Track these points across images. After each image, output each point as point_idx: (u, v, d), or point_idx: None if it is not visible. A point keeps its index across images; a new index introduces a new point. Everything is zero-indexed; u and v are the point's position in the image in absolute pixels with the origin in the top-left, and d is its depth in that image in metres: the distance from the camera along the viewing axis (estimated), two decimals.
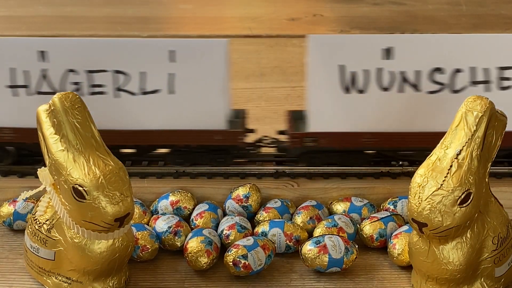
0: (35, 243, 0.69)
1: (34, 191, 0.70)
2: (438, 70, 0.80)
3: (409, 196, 0.64)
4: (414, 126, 0.81)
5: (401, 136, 0.81)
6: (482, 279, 0.67)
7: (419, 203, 0.63)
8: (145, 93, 0.81)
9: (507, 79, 0.81)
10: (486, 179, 0.65)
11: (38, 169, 0.67)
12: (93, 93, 0.81)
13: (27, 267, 0.72)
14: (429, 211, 0.62)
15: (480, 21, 1.44)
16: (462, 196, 0.62)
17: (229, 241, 0.74)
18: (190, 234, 0.73)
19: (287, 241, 0.74)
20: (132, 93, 0.81)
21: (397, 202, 0.80)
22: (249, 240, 0.71)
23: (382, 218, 0.76)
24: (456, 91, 0.81)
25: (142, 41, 0.82)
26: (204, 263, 0.71)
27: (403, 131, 0.81)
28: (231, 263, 0.70)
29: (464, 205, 0.62)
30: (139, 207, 0.78)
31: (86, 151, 0.64)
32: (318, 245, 0.71)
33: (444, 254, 0.65)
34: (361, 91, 0.81)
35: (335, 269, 0.71)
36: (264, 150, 0.87)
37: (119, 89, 0.81)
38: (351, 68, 0.80)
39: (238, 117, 0.85)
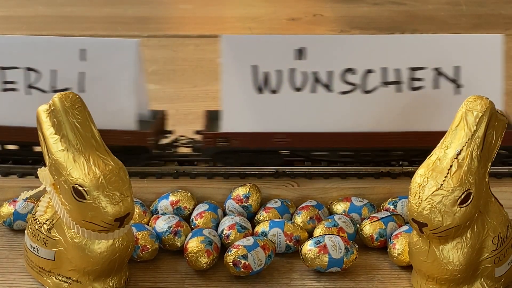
0: (35, 243, 0.69)
1: (34, 191, 0.70)
2: (350, 70, 0.81)
3: (409, 196, 0.64)
4: (326, 126, 0.82)
5: (314, 136, 0.82)
6: (482, 279, 0.67)
7: (419, 203, 0.63)
8: (55, 91, 0.81)
9: (418, 79, 0.81)
10: (486, 179, 0.65)
11: (38, 169, 0.67)
12: (5, 90, 0.82)
13: (27, 267, 0.72)
14: (429, 211, 0.62)
15: (480, 21, 1.44)
16: (462, 196, 0.62)
17: (229, 241, 0.74)
18: (190, 234, 0.73)
19: (287, 241, 0.74)
20: (43, 91, 0.81)
21: (397, 202, 0.80)
22: (249, 240, 0.71)
23: (382, 218, 0.76)
24: (367, 92, 0.81)
25: (53, 39, 0.83)
26: (204, 263, 0.71)
27: (316, 131, 0.82)
28: (231, 263, 0.70)
29: (464, 205, 0.62)
30: (139, 207, 0.78)
31: (86, 151, 0.64)
32: (318, 245, 0.71)
33: (444, 254, 0.65)
34: (273, 91, 0.81)
35: (335, 269, 0.71)
36: (182, 150, 0.87)
37: (30, 86, 0.82)
38: (264, 69, 0.81)
39: (155, 117, 0.85)
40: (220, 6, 1.56)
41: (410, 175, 0.66)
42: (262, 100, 0.81)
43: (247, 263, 0.70)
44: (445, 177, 0.63)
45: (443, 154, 0.64)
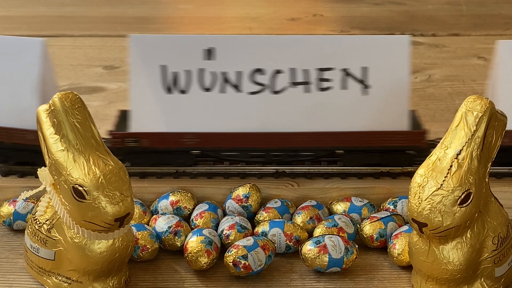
0: (35, 243, 0.69)
1: (34, 191, 0.70)
2: (258, 71, 0.81)
3: (409, 196, 0.64)
4: (236, 126, 0.82)
5: (223, 136, 0.82)
6: (482, 279, 0.67)
7: (419, 203, 0.63)
8: None
9: (327, 80, 0.81)
10: (486, 179, 0.65)
11: (38, 169, 0.67)
12: None
13: (27, 267, 0.72)
14: (429, 211, 0.62)
15: (480, 21, 1.44)
16: (462, 196, 0.62)
17: (229, 241, 0.74)
18: (190, 234, 0.73)
19: (287, 241, 0.74)
20: None
21: (397, 202, 0.80)
22: (249, 240, 0.71)
23: (382, 218, 0.76)
24: (276, 92, 0.82)
25: None
26: (204, 263, 0.71)
27: (225, 131, 0.82)
28: (231, 264, 0.70)
29: (464, 205, 0.62)
30: (139, 207, 0.78)
31: (86, 151, 0.64)
32: (318, 245, 0.71)
33: (444, 254, 0.65)
34: (183, 92, 0.81)
35: (335, 269, 0.71)
36: None
37: None
38: (173, 69, 0.81)
39: None
40: (220, 6, 1.56)
41: (410, 175, 0.66)
42: (171, 100, 0.81)
43: (247, 263, 0.70)
44: (445, 177, 0.63)
45: (443, 154, 0.64)
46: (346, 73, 0.81)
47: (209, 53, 0.80)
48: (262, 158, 0.84)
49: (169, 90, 0.81)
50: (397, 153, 0.83)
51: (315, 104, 0.81)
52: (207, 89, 0.81)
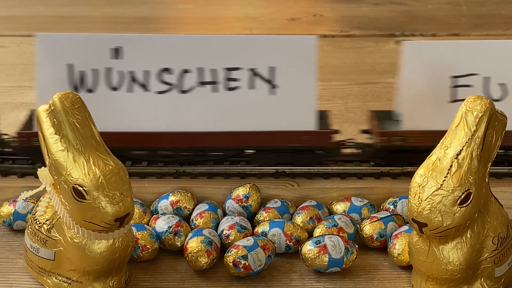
0: (35, 243, 0.69)
1: (34, 191, 0.70)
2: (166, 70, 0.81)
3: (409, 196, 0.64)
4: (144, 126, 0.82)
5: (131, 136, 0.82)
6: (482, 279, 0.67)
7: (419, 203, 0.63)
8: None
9: (234, 80, 0.82)
10: (486, 179, 0.65)
11: (38, 169, 0.67)
12: None
13: (27, 267, 0.72)
14: (429, 211, 0.62)
15: (480, 21, 1.44)
16: (462, 196, 0.62)
17: (229, 241, 0.74)
18: (190, 234, 0.73)
19: (287, 241, 0.74)
20: None
21: (397, 202, 0.80)
22: (249, 241, 0.71)
23: (382, 218, 0.76)
24: (184, 91, 0.82)
25: None
26: (204, 263, 0.71)
27: (133, 131, 0.82)
28: (231, 264, 0.70)
29: (464, 205, 0.62)
30: (139, 207, 0.78)
31: (86, 151, 0.64)
32: (318, 245, 0.71)
33: (444, 254, 0.65)
34: (90, 91, 0.81)
35: (335, 269, 0.71)
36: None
37: None
38: (80, 67, 0.81)
39: None
40: (220, 6, 1.55)
41: (410, 175, 0.66)
42: None
43: (247, 264, 0.70)
44: (445, 177, 0.63)
45: (443, 154, 0.64)
46: (254, 73, 0.81)
47: (117, 52, 0.81)
48: (171, 158, 0.84)
49: (76, 89, 0.81)
50: (306, 152, 0.83)
51: (223, 104, 0.81)
52: (114, 88, 0.81)
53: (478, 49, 0.82)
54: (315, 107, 0.82)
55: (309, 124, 0.82)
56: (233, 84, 0.82)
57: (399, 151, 0.83)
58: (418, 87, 0.82)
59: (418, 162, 0.66)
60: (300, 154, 0.83)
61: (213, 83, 0.82)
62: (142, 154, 0.84)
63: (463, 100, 0.64)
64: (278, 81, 0.82)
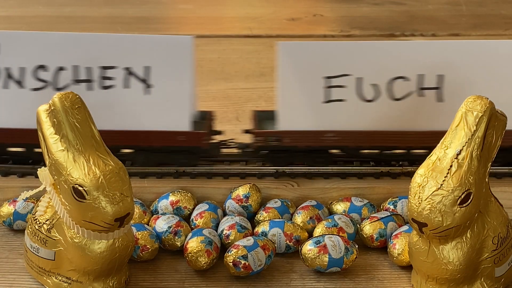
0: (35, 243, 0.69)
1: (34, 191, 0.70)
2: (42, 67, 0.81)
3: (409, 196, 0.64)
4: (19, 122, 0.82)
5: (5, 132, 0.82)
6: (482, 279, 0.67)
7: (419, 203, 0.63)
8: None
9: (109, 78, 0.82)
10: (486, 179, 0.65)
11: (38, 169, 0.67)
12: None
13: (27, 267, 0.72)
14: (429, 211, 0.62)
15: (480, 21, 1.44)
16: (462, 196, 0.62)
17: (229, 241, 0.74)
18: (190, 234, 0.73)
19: (287, 241, 0.74)
20: None
21: (397, 202, 0.80)
22: (249, 240, 0.71)
23: (382, 218, 0.76)
24: (59, 89, 0.82)
25: None
26: (204, 263, 0.71)
27: (8, 127, 0.82)
28: (231, 264, 0.70)
29: (464, 205, 0.62)
30: (139, 207, 0.78)
31: (86, 151, 0.64)
32: (318, 245, 0.71)
33: (444, 254, 0.65)
34: None
35: (335, 269, 0.71)
36: None
37: None
38: None
39: None
40: (220, 6, 1.56)
41: (410, 175, 0.66)
42: None
43: (247, 264, 0.70)
44: (445, 177, 0.63)
45: (443, 154, 0.64)
46: (129, 72, 0.81)
47: None
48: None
49: None
50: (181, 153, 0.83)
51: (98, 102, 0.80)
52: None
53: (349, 49, 0.81)
54: (191, 107, 0.82)
55: (184, 124, 0.82)
56: (108, 82, 0.82)
57: (277, 151, 0.83)
58: (293, 88, 0.81)
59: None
60: (177, 154, 0.83)
61: (88, 81, 0.82)
62: (17, 152, 0.85)
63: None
64: (153, 80, 0.82)
